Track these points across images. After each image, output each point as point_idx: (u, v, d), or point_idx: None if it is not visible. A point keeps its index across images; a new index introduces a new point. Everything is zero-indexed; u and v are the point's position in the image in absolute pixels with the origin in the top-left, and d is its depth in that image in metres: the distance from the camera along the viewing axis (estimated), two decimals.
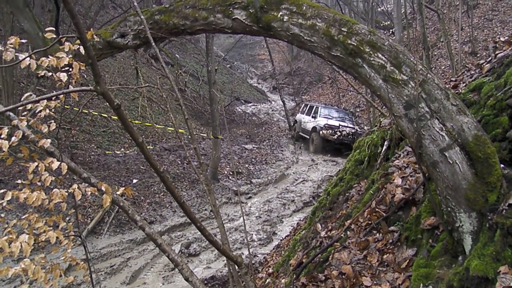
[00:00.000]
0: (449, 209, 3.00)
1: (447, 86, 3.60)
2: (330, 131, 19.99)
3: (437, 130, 2.95)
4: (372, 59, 3.09)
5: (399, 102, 3.05)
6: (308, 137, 21.90)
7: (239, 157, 18.56)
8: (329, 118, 20.94)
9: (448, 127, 2.96)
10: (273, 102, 35.04)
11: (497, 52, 4.95)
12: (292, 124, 24.70)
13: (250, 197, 14.90)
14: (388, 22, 32.74)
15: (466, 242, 2.96)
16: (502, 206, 2.78)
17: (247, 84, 39.27)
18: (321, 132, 20.31)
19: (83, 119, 16.40)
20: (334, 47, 3.20)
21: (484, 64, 5.04)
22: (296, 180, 16.69)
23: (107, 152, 15.59)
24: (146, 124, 18.59)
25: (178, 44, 33.53)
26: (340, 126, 20.09)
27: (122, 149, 16.26)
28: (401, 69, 3.05)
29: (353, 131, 19.90)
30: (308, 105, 23.59)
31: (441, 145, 2.94)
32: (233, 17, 3.56)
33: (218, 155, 15.55)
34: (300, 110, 24.69)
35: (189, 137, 18.23)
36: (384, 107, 14.90)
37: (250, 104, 32.31)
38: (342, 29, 3.17)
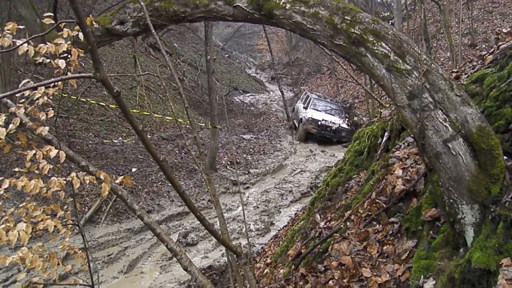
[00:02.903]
0: (451, 200, 2.98)
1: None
2: (312, 124, 20.78)
3: (441, 121, 2.92)
4: (375, 48, 3.04)
5: (402, 92, 3.01)
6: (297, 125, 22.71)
7: (237, 147, 18.53)
8: (318, 111, 21.48)
9: (452, 118, 2.92)
10: (271, 93, 34.93)
11: (499, 44, 4.91)
12: (291, 112, 24.88)
13: (248, 187, 14.90)
14: (388, 13, 32.55)
15: (468, 234, 2.94)
16: (505, 198, 2.76)
17: (245, 74, 39.11)
18: (304, 125, 21.12)
19: (81, 107, 16.32)
20: (337, 35, 3.15)
21: (486, 56, 5.00)
22: (294, 170, 16.69)
23: (105, 141, 15.54)
24: (144, 113, 18.53)
25: (177, 33, 33.34)
26: (323, 121, 20.72)
27: (120, 138, 16.21)
28: (405, 59, 3.00)
29: (335, 126, 20.67)
30: (307, 94, 23.92)
31: (444, 136, 2.91)
32: (234, 4, 3.50)
33: (216, 145, 15.52)
34: (300, 98, 25.03)
35: (188, 126, 18.19)
36: (383, 98, 14.89)
37: (248, 94, 32.20)
38: (346, 17, 3.12)
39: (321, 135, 20.87)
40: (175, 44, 31.40)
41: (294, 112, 24.23)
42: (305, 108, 21.88)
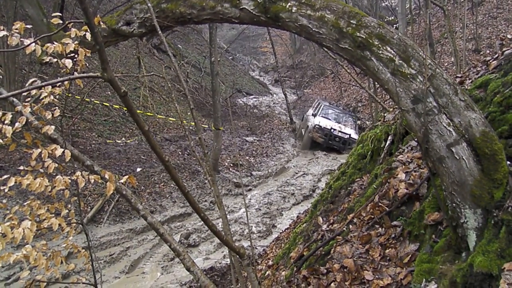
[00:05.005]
0: (454, 205, 2.99)
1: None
2: (319, 133, 19.66)
3: (445, 125, 2.93)
4: (380, 52, 3.06)
5: (407, 96, 3.02)
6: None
7: (240, 149, 18.55)
8: (327, 119, 20.37)
9: (456, 122, 2.93)
10: (274, 95, 34.99)
11: (504, 49, 4.92)
12: (301, 119, 24.14)
13: (250, 189, 14.93)
14: (392, 18, 32.61)
15: (470, 239, 2.94)
16: (508, 203, 2.76)
17: (249, 76, 39.22)
18: (310, 133, 20.04)
19: (85, 107, 16.37)
20: (342, 39, 3.17)
21: (490, 61, 5.01)
22: (296, 173, 16.71)
23: (108, 141, 15.58)
24: (148, 114, 18.57)
25: (181, 34, 33.43)
26: (332, 129, 19.65)
27: (123, 139, 16.25)
28: (410, 63, 3.02)
29: (345, 137, 19.60)
30: (318, 102, 22.90)
31: (448, 140, 2.92)
32: (241, 7, 3.51)
33: (219, 147, 15.55)
34: (312, 106, 23.83)
35: (190, 127, 18.22)
36: (386, 102, 14.88)
37: (251, 97, 32.26)
38: (351, 21, 3.13)
39: (328, 145, 19.69)
40: (179, 46, 31.50)
41: (303, 121, 23.02)
42: (314, 115, 20.75)
